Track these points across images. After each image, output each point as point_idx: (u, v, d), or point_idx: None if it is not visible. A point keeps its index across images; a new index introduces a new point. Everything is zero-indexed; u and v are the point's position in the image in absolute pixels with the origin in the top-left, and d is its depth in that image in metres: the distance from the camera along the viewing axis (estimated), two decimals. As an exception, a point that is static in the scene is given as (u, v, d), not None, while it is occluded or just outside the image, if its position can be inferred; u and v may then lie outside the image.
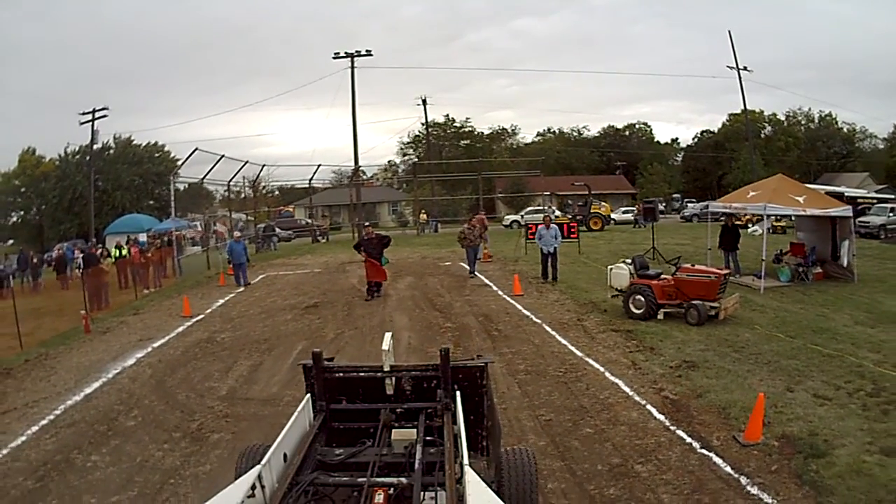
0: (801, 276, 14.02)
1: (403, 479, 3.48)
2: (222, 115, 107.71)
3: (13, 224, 54.30)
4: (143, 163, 52.36)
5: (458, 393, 4.32)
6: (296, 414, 4.13)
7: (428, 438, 4.13)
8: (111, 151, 50.92)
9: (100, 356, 10.46)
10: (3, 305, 17.12)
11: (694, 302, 9.73)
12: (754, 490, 4.73)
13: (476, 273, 16.38)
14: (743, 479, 4.89)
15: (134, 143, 53.10)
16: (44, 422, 7.34)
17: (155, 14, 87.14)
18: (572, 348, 8.92)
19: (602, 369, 7.84)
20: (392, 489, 3.38)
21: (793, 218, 17.23)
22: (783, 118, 57.51)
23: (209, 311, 13.80)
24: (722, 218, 16.08)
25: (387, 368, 4.54)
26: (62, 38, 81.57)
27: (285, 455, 3.75)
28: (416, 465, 3.65)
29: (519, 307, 12.04)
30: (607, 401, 6.75)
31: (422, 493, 3.37)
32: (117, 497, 5.20)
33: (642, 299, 10.14)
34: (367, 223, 19.38)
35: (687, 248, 19.78)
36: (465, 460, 3.27)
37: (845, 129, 57.74)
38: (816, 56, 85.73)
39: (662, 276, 10.43)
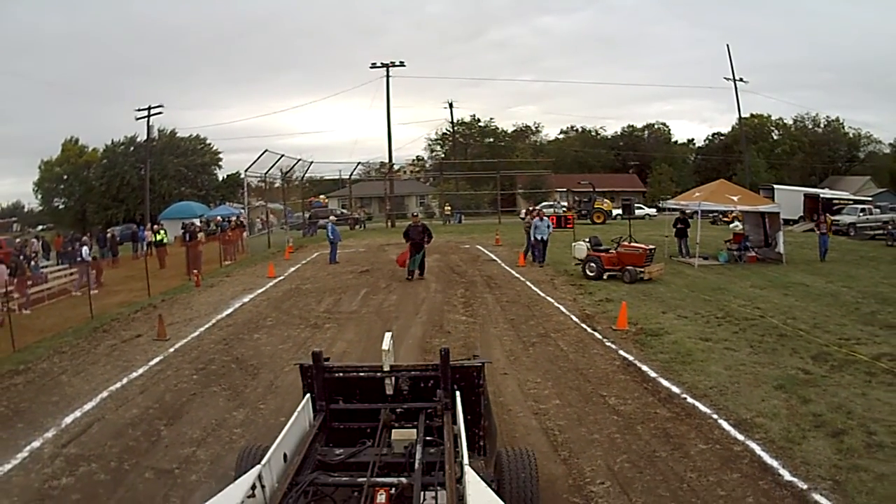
0: (735, 258, 18.26)
1: (403, 479, 3.55)
2: (249, 106, 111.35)
3: (55, 209, 57.84)
4: (187, 154, 56.76)
5: (457, 393, 4.49)
6: (296, 414, 4.23)
7: (428, 438, 4.22)
8: (155, 143, 53.76)
9: (220, 297, 15.25)
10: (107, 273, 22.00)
11: (627, 267, 14.24)
12: (608, 343, 9.32)
13: (532, 257, 18.45)
14: (605, 341, 9.48)
15: (178, 135, 57.36)
16: (206, 325, 11.94)
17: (182, 8, 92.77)
18: (540, 292, 13.62)
19: (553, 301, 12.55)
20: (392, 489, 3.43)
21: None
22: (790, 122, 60.55)
23: (286, 274, 18.65)
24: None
25: (386, 368, 4.67)
26: (97, 29, 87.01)
27: (285, 455, 3.80)
28: (416, 465, 3.73)
29: (513, 272, 16.74)
30: (549, 313, 11.46)
31: (422, 492, 3.42)
32: (282, 346, 9.95)
33: (594, 265, 14.74)
34: (414, 213, 23.58)
35: (667, 238, 24.02)
36: (465, 460, 3.37)
37: (851, 134, 60.53)
38: (834, 58, 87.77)
39: (610, 250, 14.96)
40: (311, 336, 10.43)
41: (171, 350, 10.15)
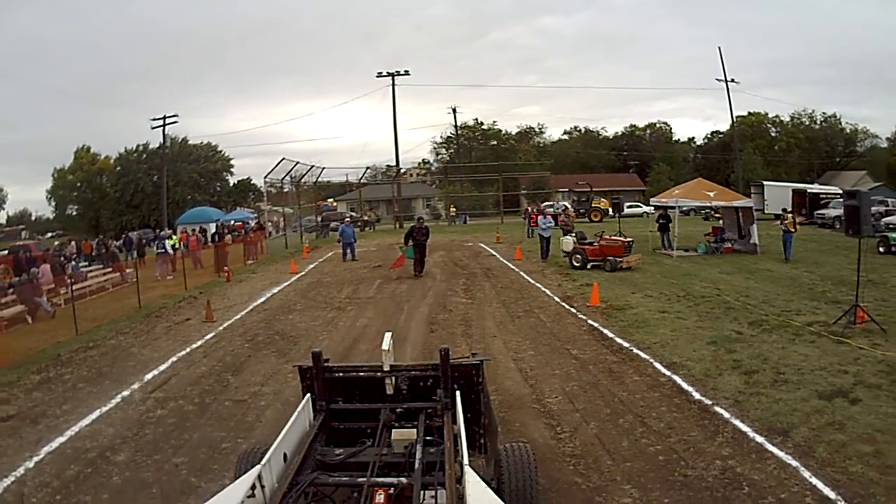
0: (713, 249, 20.14)
1: (403, 479, 3.61)
2: (254, 111, 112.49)
3: (67, 216, 60.08)
4: (199, 161, 59.01)
5: (458, 392, 4.50)
6: (296, 414, 4.27)
7: (428, 438, 4.24)
8: (168, 150, 55.00)
9: (252, 289, 17.37)
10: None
11: (608, 257, 16.25)
12: (581, 316, 11.32)
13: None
14: (578, 314, 11.50)
15: (189, 142, 59.59)
16: (246, 311, 14.01)
17: (186, 15, 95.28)
18: (530, 280, 15.70)
19: (540, 286, 14.62)
20: (392, 489, 3.49)
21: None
22: (788, 119, 62.14)
23: (306, 270, 20.79)
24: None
25: (386, 368, 4.71)
26: (100, 37, 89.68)
27: (285, 455, 3.85)
28: (416, 465, 3.78)
29: (510, 265, 18.80)
30: (536, 296, 13.53)
31: (422, 492, 3.47)
32: (314, 323, 12.03)
33: (580, 256, 16.79)
34: (419, 217, 25.45)
35: (655, 234, 25.91)
36: (465, 460, 3.41)
37: (848, 130, 62.03)
38: (835, 54, 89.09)
39: (593, 243, 16.97)
40: (337, 316, 12.52)
41: (221, 328, 12.23)
